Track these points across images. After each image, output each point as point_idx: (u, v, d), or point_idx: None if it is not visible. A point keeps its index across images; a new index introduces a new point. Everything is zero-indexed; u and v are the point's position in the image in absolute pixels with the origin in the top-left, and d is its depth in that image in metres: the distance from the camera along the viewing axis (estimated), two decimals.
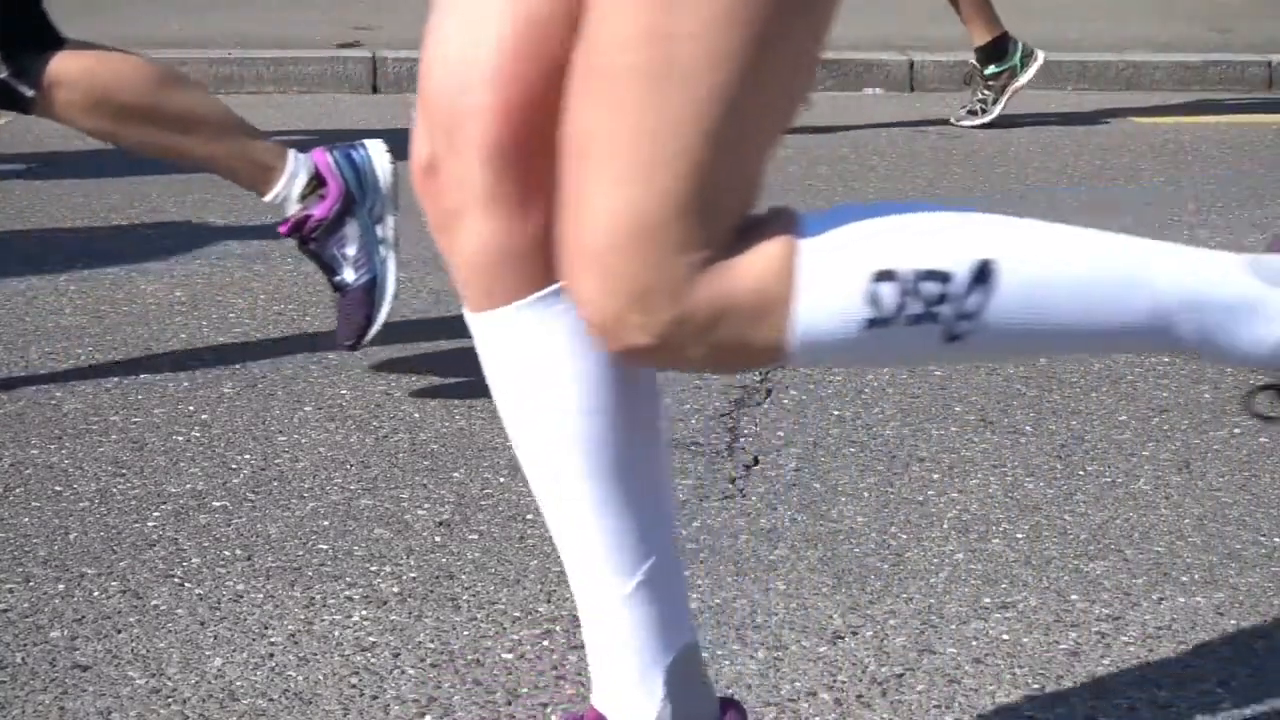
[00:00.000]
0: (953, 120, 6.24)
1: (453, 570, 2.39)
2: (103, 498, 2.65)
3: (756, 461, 2.83)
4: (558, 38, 1.39)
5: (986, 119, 6.20)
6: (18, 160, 5.34)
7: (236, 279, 3.93)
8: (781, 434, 2.96)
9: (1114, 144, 5.93)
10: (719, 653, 2.14)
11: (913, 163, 5.54)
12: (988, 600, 2.31)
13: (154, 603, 2.28)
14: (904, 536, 2.52)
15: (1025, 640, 2.18)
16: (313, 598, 2.30)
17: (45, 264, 4.06)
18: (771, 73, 1.32)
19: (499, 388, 1.55)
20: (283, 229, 3.10)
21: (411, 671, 2.09)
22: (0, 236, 4.39)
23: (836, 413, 3.08)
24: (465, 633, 2.20)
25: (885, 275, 1.36)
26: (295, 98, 6.86)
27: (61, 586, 2.33)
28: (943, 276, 1.36)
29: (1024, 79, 6.21)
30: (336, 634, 2.19)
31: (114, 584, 2.34)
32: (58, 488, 2.69)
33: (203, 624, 2.22)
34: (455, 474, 2.75)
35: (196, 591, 2.32)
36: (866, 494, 2.69)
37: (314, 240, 3.08)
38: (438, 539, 2.50)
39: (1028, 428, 3.01)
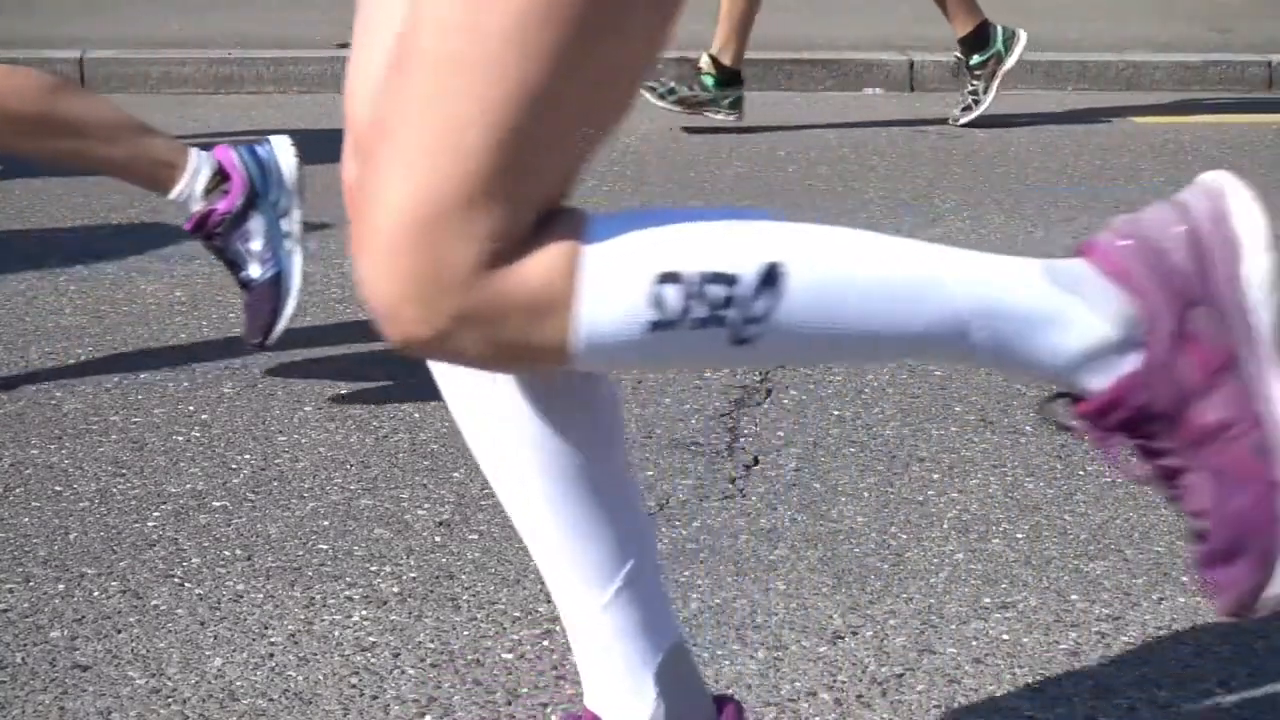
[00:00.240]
0: (951, 121, 6.24)
1: (453, 570, 2.39)
2: (103, 498, 2.65)
3: (756, 461, 2.84)
4: None
5: (981, 109, 6.20)
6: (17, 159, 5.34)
7: None
8: (781, 434, 2.96)
9: (1114, 144, 5.93)
10: (719, 653, 2.14)
11: (913, 163, 5.55)
12: (988, 600, 2.31)
13: (154, 603, 2.28)
14: (904, 536, 2.52)
15: (1025, 640, 2.18)
16: (313, 598, 2.30)
17: (45, 264, 4.06)
18: (585, 76, 1.29)
19: (450, 405, 1.57)
20: (188, 226, 3.11)
21: (411, 671, 2.09)
22: (0, 236, 4.39)
23: (836, 413, 3.08)
24: (465, 633, 2.20)
25: (670, 278, 1.32)
26: (295, 98, 6.86)
27: (61, 586, 2.33)
28: (729, 279, 1.33)
29: (1011, 61, 6.19)
30: (336, 634, 2.19)
31: (114, 584, 2.34)
32: (58, 488, 2.69)
33: (203, 624, 2.22)
34: (455, 474, 2.75)
35: (196, 591, 2.32)
36: (866, 494, 2.69)
37: (218, 236, 3.09)
38: (438, 539, 2.50)
39: (1028, 428, 3.01)
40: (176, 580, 2.35)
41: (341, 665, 2.11)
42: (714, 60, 5.95)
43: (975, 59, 6.20)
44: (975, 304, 1.39)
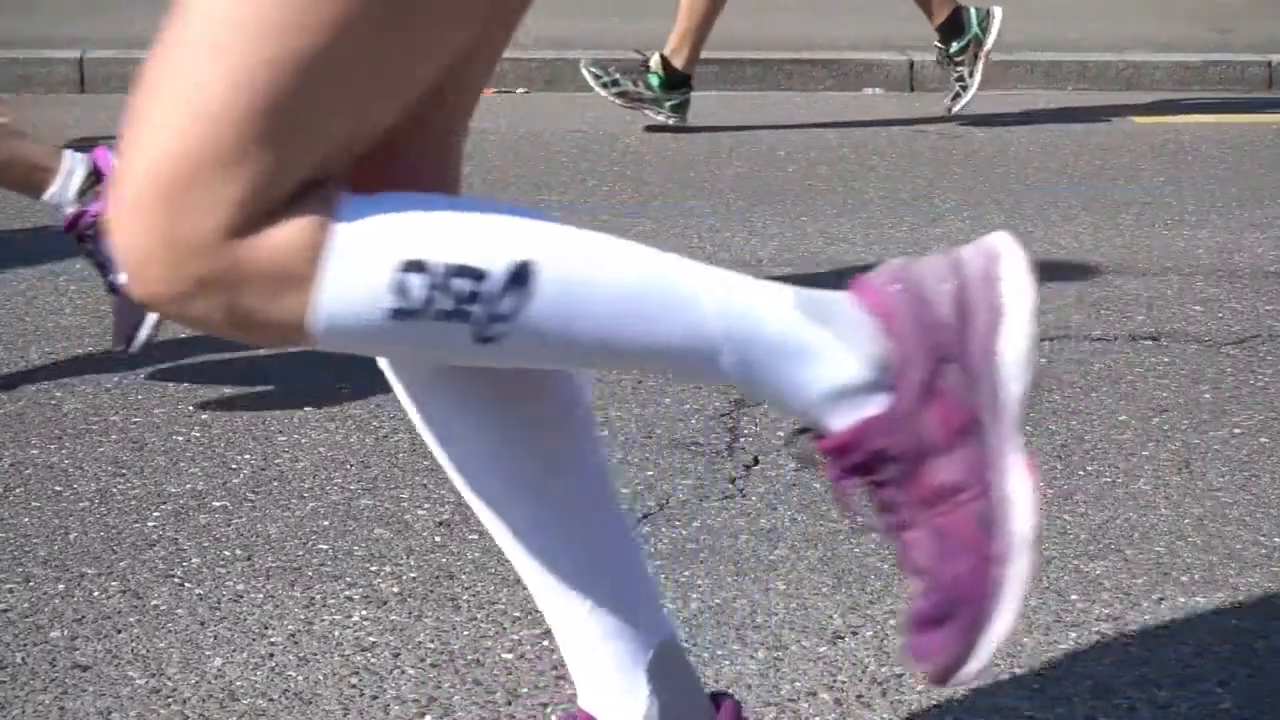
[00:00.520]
0: (944, 111, 6.24)
1: (453, 570, 2.39)
2: (103, 498, 2.65)
3: (756, 461, 2.84)
4: None
5: (970, 94, 6.19)
6: None
7: None
8: (781, 434, 2.96)
9: (1114, 144, 5.93)
10: (719, 653, 2.14)
11: (913, 163, 5.54)
12: None
13: (154, 603, 2.28)
14: None
15: (1025, 640, 2.18)
16: (313, 598, 2.30)
17: (45, 264, 4.06)
18: (351, 54, 1.27)
19: (413, 421, 1.58)
20: (65, 226, 3.11)
21: (411, 671, 2.09)
22: (0, 236, 4.39)
23: None
24: (465, 633, 2.20)
25: (415, 266, 1.30)
26: None
27: (61, 586, 2.33)
28: (476, 274, 1.30)
29: (990, 40, 6.18)
30: (336, 634, 2.19)
31: (114, 584, 2.34)
32: (58, 488, 2.69)
33: (203, 624, 2.22)
34: None
35: (196, 591, 2.32)
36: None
37: (89, 239, 3.09)
38: (438, 539, 2.50)
39: (1028, 428, 3.00)
40: (176, 580, 2.35)
41: (341, 665, 2.11)
42: (665, 61, 5.90)
43: (955, 46, 6.19)
44: (725, 327, 1.36)
